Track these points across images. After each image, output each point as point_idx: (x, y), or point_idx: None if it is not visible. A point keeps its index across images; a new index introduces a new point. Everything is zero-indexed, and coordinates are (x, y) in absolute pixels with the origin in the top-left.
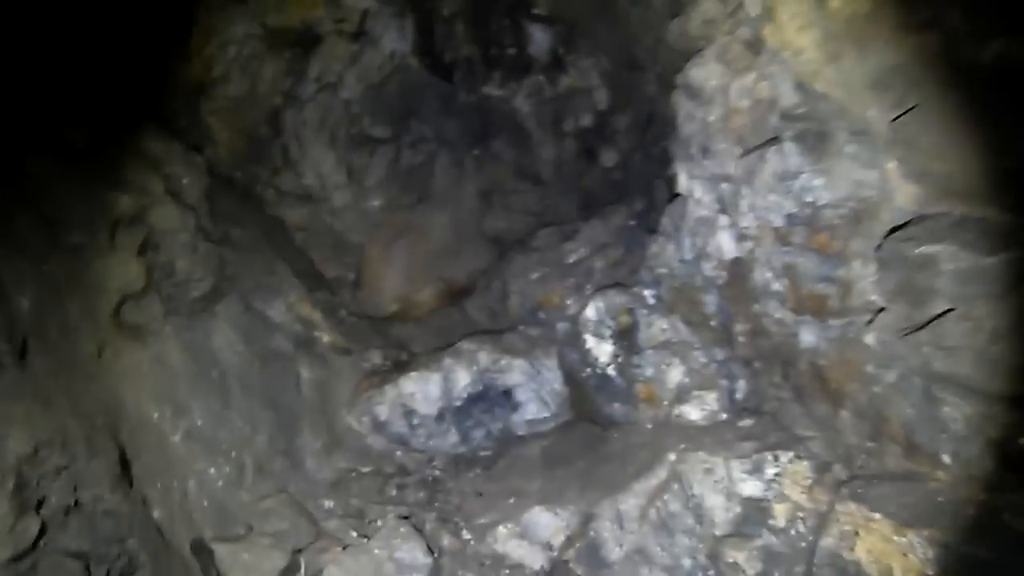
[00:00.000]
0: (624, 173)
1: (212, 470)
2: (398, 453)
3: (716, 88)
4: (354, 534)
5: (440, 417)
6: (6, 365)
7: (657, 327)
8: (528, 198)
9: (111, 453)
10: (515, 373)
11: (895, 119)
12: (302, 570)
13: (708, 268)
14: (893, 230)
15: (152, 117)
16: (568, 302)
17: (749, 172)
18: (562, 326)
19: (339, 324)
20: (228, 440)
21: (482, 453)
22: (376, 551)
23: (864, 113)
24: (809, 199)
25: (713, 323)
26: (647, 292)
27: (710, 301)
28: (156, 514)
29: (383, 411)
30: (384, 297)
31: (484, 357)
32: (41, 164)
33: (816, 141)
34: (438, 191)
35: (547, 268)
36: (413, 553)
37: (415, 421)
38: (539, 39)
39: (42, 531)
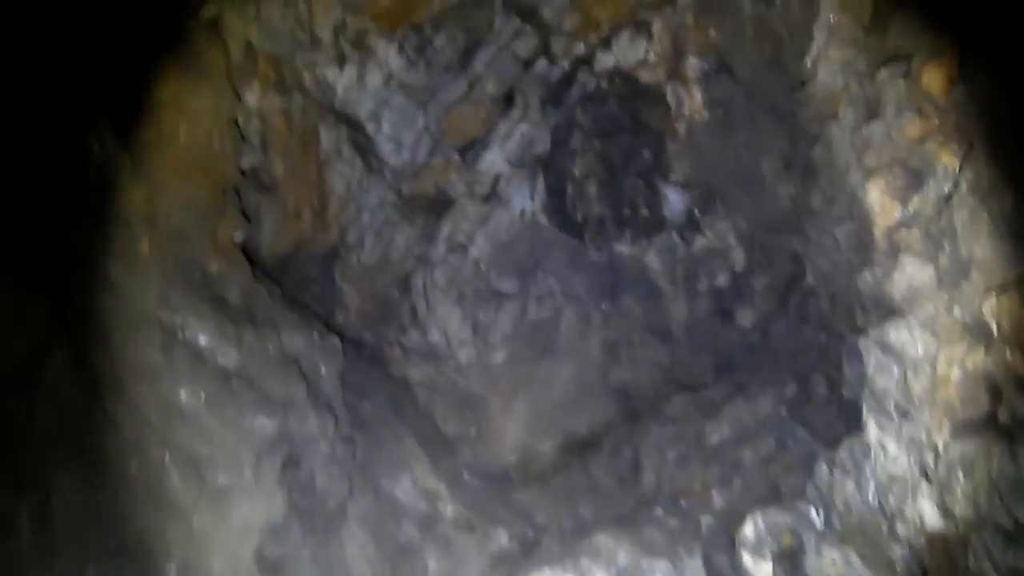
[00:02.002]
0: (763, 338)
1: None
2: None
3: (922, 358)
4: None
5: None
6: None
7: (828, 557)
8: (657, 352)
9: None
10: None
11: None
12: None
13: (902, 528)
14: None
15: (290, 298)
16: (712, 492)
17: (966, 459)
18: (706, 520)
19: (462, 492)
20: None
21: None
22: None
23: None
24: None
25: (898, 568)
26: (814, 514)
27: (897, 550)
28: None
29: None
30: (505, 448)
31: (623, 557)
32: (193, 395)
33: None
34: (563, 344)
35: (685, 446)
36: None
37: None
38: (674, 200)
39: None
